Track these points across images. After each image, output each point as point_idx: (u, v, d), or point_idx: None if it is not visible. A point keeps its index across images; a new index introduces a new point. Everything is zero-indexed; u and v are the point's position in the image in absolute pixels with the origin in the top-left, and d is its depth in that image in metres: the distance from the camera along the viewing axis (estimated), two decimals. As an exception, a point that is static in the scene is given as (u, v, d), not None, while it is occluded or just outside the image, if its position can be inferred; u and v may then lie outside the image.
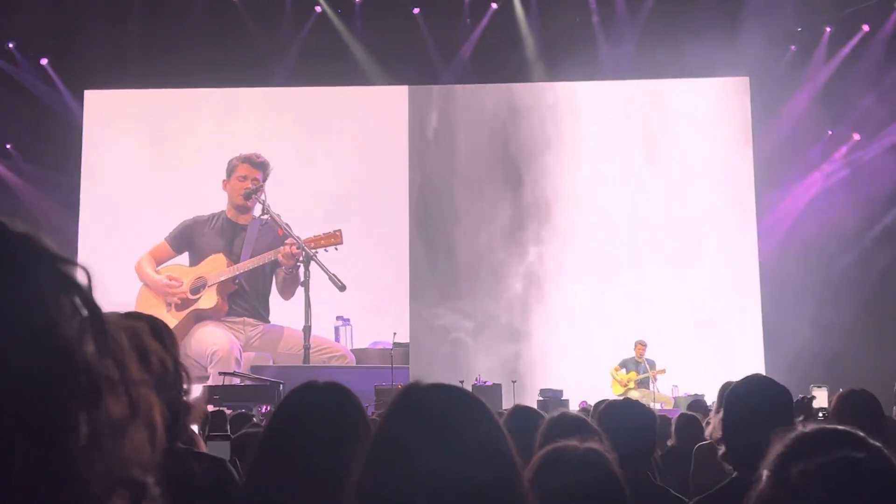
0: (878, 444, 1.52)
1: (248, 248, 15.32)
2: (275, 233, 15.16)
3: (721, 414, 2.97)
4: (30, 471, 0.71)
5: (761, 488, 1.55)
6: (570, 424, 3.09)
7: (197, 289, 15.21)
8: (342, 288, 14.48)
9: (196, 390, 2.43)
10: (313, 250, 14.76)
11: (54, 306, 0.76)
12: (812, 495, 1.39)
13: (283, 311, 15.12)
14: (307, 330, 14.61)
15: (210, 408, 7.88)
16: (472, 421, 1.55)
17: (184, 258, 15.47)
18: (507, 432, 1.60)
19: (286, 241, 14.86)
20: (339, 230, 14.90)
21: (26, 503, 0.71)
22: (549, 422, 3.28)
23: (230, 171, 15.50)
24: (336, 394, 2.20)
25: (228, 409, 9.65)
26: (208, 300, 15.16)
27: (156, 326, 2.31)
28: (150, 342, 1.03)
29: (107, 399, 0.77)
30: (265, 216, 15.16)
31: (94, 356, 0.77)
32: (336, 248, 14.82)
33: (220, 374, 13.62)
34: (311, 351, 14.73)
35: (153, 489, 0.79)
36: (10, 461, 0.70)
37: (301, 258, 14.75)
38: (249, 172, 15.50)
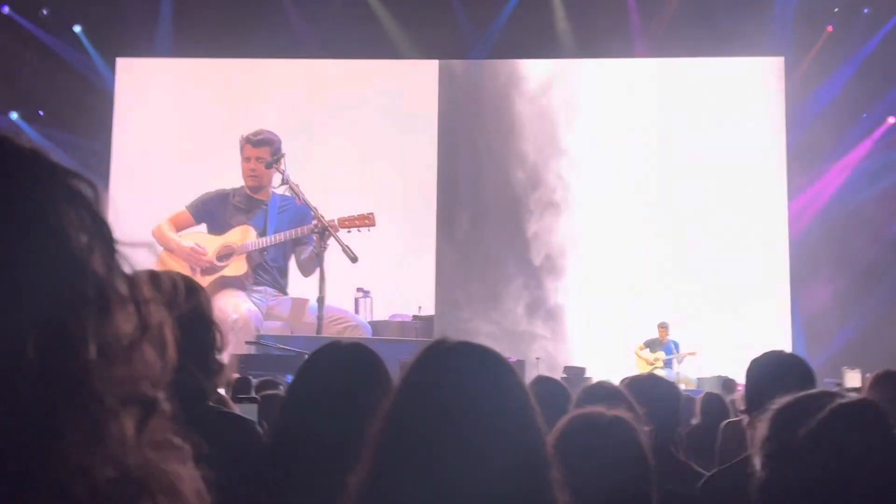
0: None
1: (272, 224, 15.40)
2: (296, 207, 15.18)
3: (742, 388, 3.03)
4: (39, 383, 0.70)
5: (769, 465, 1.60)
6: (606, 394, 3.09)
7: (224, 256, 15.32)
8: (354, 259, 14.51)
9: (225, 357, 2.44)
10: (344, 229, 14.78)
11: (62, 219, 0.74)
12: (824, 446, 1.46)
13: (302, 283, 15.19)
14: (321, 301, 14.66)
15: (234, 375, 7.94)
16: (500, 382, 1.54)
17: (201, 229, 15.56)
18: (532, 395, 1.60)
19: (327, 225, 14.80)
20: (372, 213, 14.90)
21: (36, 416, 0.70)
22: (584, 390, 3.30)
23: (240, 150, 15.59)
24: (360, 354, 2.21)
25: (254, 377, 9.71)
26: (237, 268, 15.27)
27: (188, 280, 2.32)
28: (163, 268, 1.02)
29: (116, 314, 0.75)
30: (285, 185, 15.18)
31: (104, 270, 0.76)
32: (369, 230, 14.83)
33: (247, 342, 13.71)
34: (325, 321, 14.81)
35: (164, 405, 0.78)
36: (19, 371, 0.69)
37: (318, 229, 14.77)
38: (251, 153, 15.58)
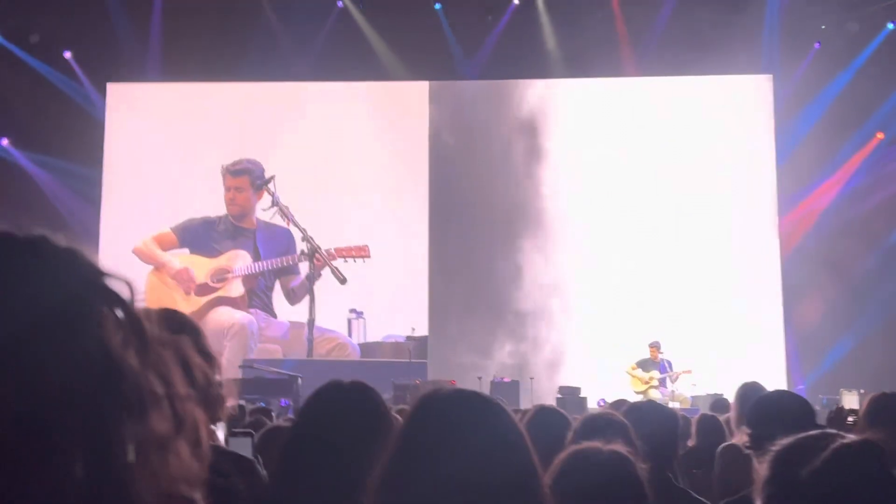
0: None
1: (262, 251, 15.43)
2: (281, 235, 15.21)
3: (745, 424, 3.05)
4: (81, 486, 0.71)
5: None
6: (607, 424, 3.09)
7: (218, 278, 15.29)
8: (343, 281, 14.54)
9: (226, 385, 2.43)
10: (338, 258, 14.80)
11: (100, 321, 0.76)
12: (825, 488, 1.48)
13: (288, 306, 15.19)
14: (311, 323, 14.64)
15: (235, 403, 7.90)
16: (494, 429, 1.54)
17: (184, 251, 15.54)
18: (527, 437, 1.60)
19: (317, 249, 14.79)
20: (367, 245, 14.95)
21: None
22: (585, 420, 3.30)
23: (222, 180, 15.62)
24: (361, 393, 2.21)
25: (248, 401, 9.68)
26: (234, 289, 15.26)
27: (192, 328, 2.31)
28: (194, 356, 1.03)
29: (152, 414, 0.77)
30: (274, 208, 15.18)
31: (139, 370, 0.78)
32: (364, 261, 14.86)
33: (240, 366, 13.67)
34: (314, 341, 14.80)
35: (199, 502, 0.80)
36: (62, 476, 0.71)
37: (308, 252, 14.78)
38: (231, 182, 15.61)
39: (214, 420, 2.30)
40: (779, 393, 3.17)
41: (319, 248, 14.69)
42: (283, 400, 12.25)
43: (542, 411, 3.48)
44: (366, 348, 15.12)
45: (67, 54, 15.58)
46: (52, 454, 0.71)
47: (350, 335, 15.19)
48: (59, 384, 0.72)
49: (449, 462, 1.47)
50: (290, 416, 7.82)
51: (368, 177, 15.45)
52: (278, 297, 15.42)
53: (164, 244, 15.50)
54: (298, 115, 15.76)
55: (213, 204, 15.55)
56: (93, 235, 15.22)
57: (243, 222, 15.60)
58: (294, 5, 15.55)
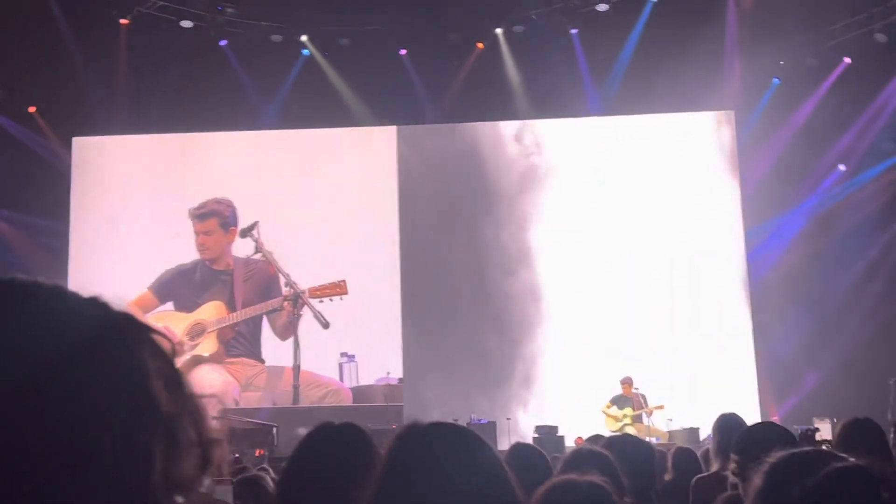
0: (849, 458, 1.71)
1: (240, 293, 15.28)
2: (262, 273, 15.12)
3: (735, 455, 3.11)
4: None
5: None
6: (593, 458, 3.12)
7: (195, 335, 15.15)
8: (326, 325, 14.49)
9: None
10: (315, 299, 14.75)
11: (149, 371, 0.87)
12: None
13: (280, 350, 15.05)
14: (296, 369, 14.54)
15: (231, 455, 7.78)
16: (473, 458, 1.55)
17: (168, 307, 15.41)
18: (509, 471, 1.61)
19: (301, 292, 14.74)
20: (344, 281, 14.89)
21: None
22: (572, 453, 3.33)
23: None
24: (352, 434, 2.23)
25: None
26: (208, 346, 15.09)
27: None
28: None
29: (183, 455, 0.87)
30: (258, 254, 15.14)
31: (177, 416, 0.88)
32: (341, 299, 14.82)
33: (213, 417, 13.51)
34: (305, 387, 14.69)
35: None
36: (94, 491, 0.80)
37: (290, 297, 14.71)
38: (199, 227, 15.53)
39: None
40: (766, 424, 3.25)
41: (303, 294, 14.64)
42: (257, 450, 12.12)
43: (519, 448, 3.49)
44: (358, 392, 15.00)
45: (32, 109, 15.54)
46: (88, 471, 0.80)
47: (342, 379, 15.07)
48: (111, 422, 0.82)
49: (430, 494, 1.48)
50: (265, 466, 7.74)
51: (340, 221, 15.45)
52: (269, 339, 15.29)
53: (146, 305, 15.30)
54: (266, 163, 15.79)
55: (183, 252, 15.45)
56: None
57: (218, 265, 15.49)
58: (259, 54, 15.66)
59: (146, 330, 0.91)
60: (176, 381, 0.90)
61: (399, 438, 1.58)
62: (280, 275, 14.85)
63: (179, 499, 0.85)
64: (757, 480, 1.75)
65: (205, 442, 0.89)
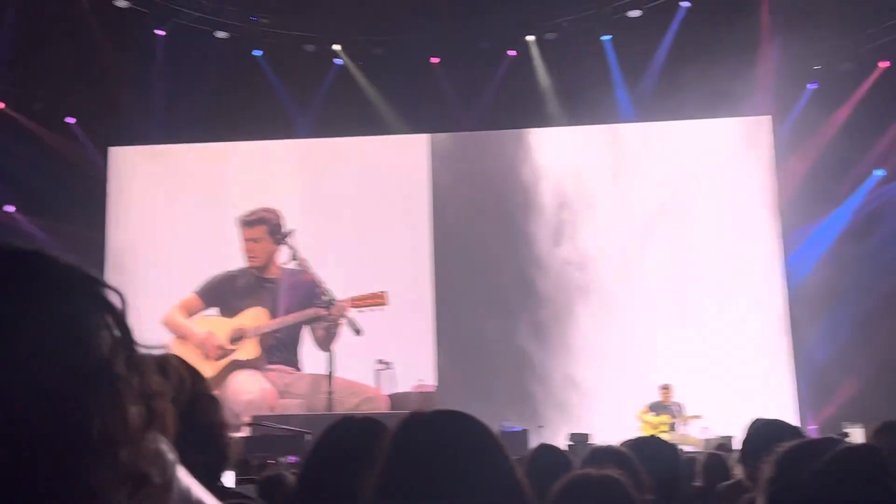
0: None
1: (284, 301, 15.35)
2: (306, 283, 15.17)
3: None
4: (47, 468, 0.81)
5: None
6: (611, 456, 3.11)
7: (237, 339, 15.26)
8: (357, 332, 14.53)
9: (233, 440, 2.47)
10: (356, 309, 14.81)
11: (90, 323, 0.87)
12: (827, 488, 1.49)
13: (318, 358, 15.09)
14: (330, 376, 14.57)
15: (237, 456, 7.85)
16: (477, 447, 1.54)
17: (212, 312, 15.53)
18: (510, 457, 1.60)
19: (334, 300, 14.80)
20: (385, 292, 14.93)
21: (42, 492, 0.80)
22: (590, 452, 3.33)
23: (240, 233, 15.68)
24: (373, 428, 2.22)
25: (255, 458, 9.63)
26: (249, 351, 15.19)
27: (195, 374, 2.35)
28: (171, 358, 1.12)
29: (127, 407, 0.87)
30: (294, 262, 15.22)
31: (122, 369, 0.88)
32: (382, 310, 14.86)
33: (247, 424, 13.59)
34: (341, 394, 14.72)
35: (156, 477, 0.90)
36: (33, 455, 0.80)
37: (324, 303, 14.77)
38: (248, 234, 15.62)
39: (224, 462, 2.31)
40: (772, 422, 3.17)
41: (335, 301, 14.70)
42: (290, 457, 12.17)
43: (543, 449, 3.48)
44: (395, 399, 15.01)
45: (70, 120, 15.78)
46: (18, 420, 0.80)
47: (379, 386, 15.09)
48: (45, 376, 0.82)
49: (434, 482, 1.47)
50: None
51: (373, 229, 15.50)
52: (307, 347, 15.33)
53: (191, 308, 15.46)
54: (300, 172, 15.89)
55: (220, 262, 15.57)
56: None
57: (266, 273, 15.57)
58: (293, 64, 15.79)
59: (93, 283, 0.91)
60: (125, 337, 0.90)
61: (401, 426, 1.57)
62: (317, 283, 14.91)
63: (124, 452, 0.85)
64: (767, 470, 1.74)
65: (148, 395, 0.89)
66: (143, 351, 0.93)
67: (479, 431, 1.57)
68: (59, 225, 15.29)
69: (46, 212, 15.24)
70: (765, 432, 3.04)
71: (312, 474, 2.19)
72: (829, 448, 1.66)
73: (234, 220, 15.65)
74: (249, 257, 15.59)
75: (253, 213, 15.64)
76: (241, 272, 15.56)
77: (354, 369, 14.91)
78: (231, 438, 2.33)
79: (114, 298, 0.93)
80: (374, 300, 14.90)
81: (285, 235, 15.36)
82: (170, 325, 15.34)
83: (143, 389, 0.90)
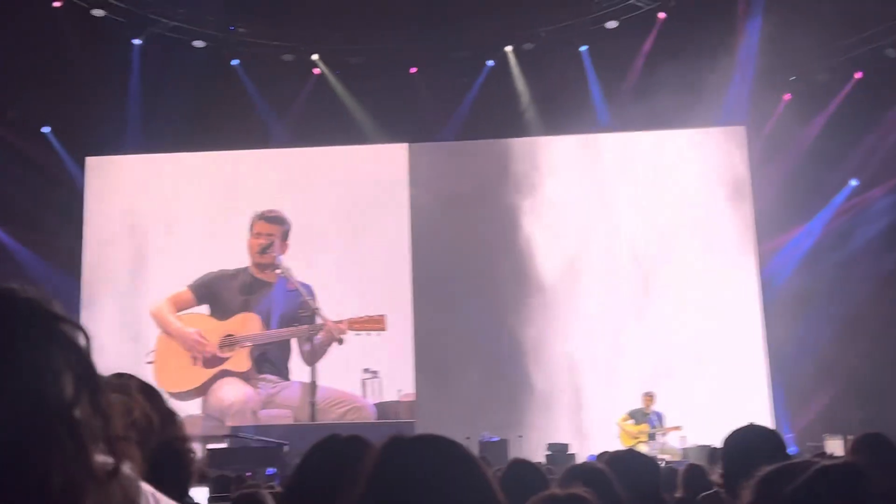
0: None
1: (277, 309, 15.27)
2: (298, 294, 15.09)
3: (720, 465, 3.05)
4: None
5: None
6: (587, 475, 3.10)
7: (226, 346, 15.16)
8: (340, 341, 14.49)
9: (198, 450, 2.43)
10: (353, 332, 14.80)
11: (50, 366, 0.83)
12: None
13: (303, 368, 15.02)
14: (313, 386, 14.51)
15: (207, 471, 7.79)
16: (458, 473, 1.53)
17: (202, 309, 15.43)
18: (493, 483, 1.59)
19: (329, 323, 14.74)
20: (384, 316, 14.90)
21: None
22: (566, 472, 3.32)
23: (250, 227, 15.59)
24: (358, 448, 2.20)
25: (232, 471, 9.56)
26: (240, 363, 15.10)
27: (148, 390, 2.30)
28: (137, 399, 1.09)
29: (90, 452, 0.84)
30: (277, 270, 15.18)
31: (86, 412, 0.84)
32: (378, 334, 14.83)
33: (225, 436, 13.52)
34: (327, 404, 14.68)
35: None
36: None
37: (306, 313, 14.72)
38: (263, 228, 15.57)
39: (186, 478, 2.28)
40: (751, 428, 3.15)
41: (321, 313, 14.66)
42: (268, 469, 12.11)
43: (517, 465, 3.46)
44: (381, 408, 14.98)
45: (46, 129, 15.66)
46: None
47: (365, 395, 15.05)
48: (10, 423, 0.78)
49: None
50: (276, 484, 7.73)
51: (352, 238, 15.48)
52: (296, 358, 15.27)
53: (182, 303, 15.35)
54: (278, 181, 15.84)
55: (197, 271, 15.47)
56: (74, 307, 15.15)
57: (265, 274, 15.51)
58: (271, 73, 15.75)
59: (57, 321, 0.87)
60: (90, 377, 0.86)
61: (381, 451, 1.56)
62: (300, 294, 14.85)
63: (89, 497, 0.82)
64: (747, 494, 1.75)
65: (111, 438, 0.87)
66: (105, 386, 0.88)
67: (461, 456, 1.56)
68: (35, 234, 15.18)
69: (21, 221, 15.11)
70: (745, 442, 3.02)
71: (296, 495, 2.17)
72: (809, 468, 1.67)
73: (253, 214, 15.52)
74: (263, 254, 15.47)
75: (273, 211, 15.59)
76: (239, 271, 15.48)
77: (341, 378, 14.88)
78: (194, 454, 2.30)
79: (77, 336, 0.88)
80: (374, 324, 14.87)
81: (267, 246, 15.34)
82: (157, 318, 15.25)
83: (108, 434, 0.86)
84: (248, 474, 11.04)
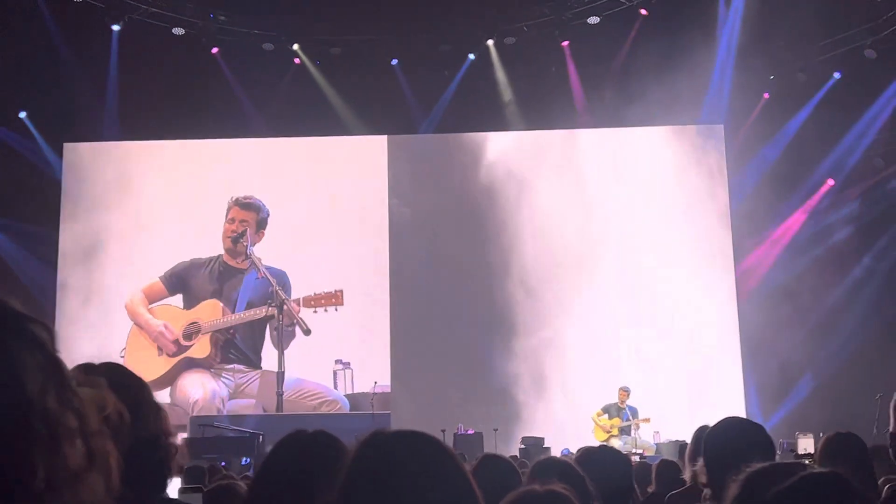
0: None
1: (245, 296, 15.23)
2: (264, 282, 15.07)
3: (702, 460, 3.02)
4: None
5: None
6: (557, 469, 3.10)
7: (190, 335, 15.11)
8: (307, 332, 14.45)
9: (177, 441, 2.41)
10: (310, 308, 14.76)
11: (18, 364, 0.83)
12: None
13: (275, 359, 14.97)
14: (280, 376, 14.48)
15: (185, 461, 7.76)
16: (437, 470, 1.54)
17: (177, 300, 15.37)
18: (473, 481, 1.60)
19: (288, 303, 14.69)
20: (341, 290, 14.89)
21: None
22: (535, 464, 3.32)
23: (226, 212, 15.52)
24: (323, 443, 2.19)
25: (206, 461, 9.54)
26: (201, 349, 15.06)
27: (118, 376, 2.28)
28: (108, 395, 1.08)
29: (65, 448, 0.84)
30: (247, 260, 15.14)
31: (56, 408, 0.84)
32: (336, 309, 14.81)
33: (200, 424, 13.47)
34: (298, 396, 14.66)
35: None
36: None
37: (275, 304, 14.65)
38: (238, 214, 15.51)
39: (168, 472, 2.28)
40: (735, 421, 3.11)
41: (287, 300, 14.60)
42: (244, 458, 12.09)
43: (488, 460, 3.47)
44: (353, 399, 14.97)
45: (23, 114, 15.52)
46: None
47: (336, 387, 15.04)
48: None
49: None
50: (250, 474, 7.72)
51: (330, 229, 15.46)
52: (268, 344, 15.21)
53: (154, 295, 15.28)
54: (257, 171, 15.79)
55: (174, 258, 15.41)
56: (49, 295, 15.07)
57: (238, 261, 15.45)
58: (251, 63, 15.67)
59: (23, 321, 0.87)
60: (56, 374, 0.86)
61: (362, 446, 1.57)
62: (269, 283, 14.80)
63: (65, 498, 0.83)
64: (733, 489, 1.77)
65: (87, 434, 0.87)
66: (76, 384, 0.89)
67: (441, 452, 1.57)
68: (11, 221, 15.06)
69: (-2, 208, 14.99)
70: (732, 434, 3.00)
71: (263, 492, 2.16)
72: (798, 472, 1.68)
73: (229, 199, 15.46)
74: (229, 239, 15.40)
75: (249, 197, 15.52)
76: (211, 260, 15.42)
77: (313, 370, 14.87)
78: (176, 448, 2.29)
79: (42, 333, 0.88)
80: (330, 300, 14.85)
81: (241, 235, 15.28)
82: (129, 311, 15.20)
83: (82, 428, 0.87)
84: (222, 464, 11.02)
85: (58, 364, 0.87)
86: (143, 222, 15.57)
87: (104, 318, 15.18)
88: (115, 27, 15.14)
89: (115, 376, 2.14)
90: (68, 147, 15.86)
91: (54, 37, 14.67)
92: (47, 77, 14.92)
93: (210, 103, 15.35)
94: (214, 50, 15.72)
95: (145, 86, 14.97)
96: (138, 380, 2.35)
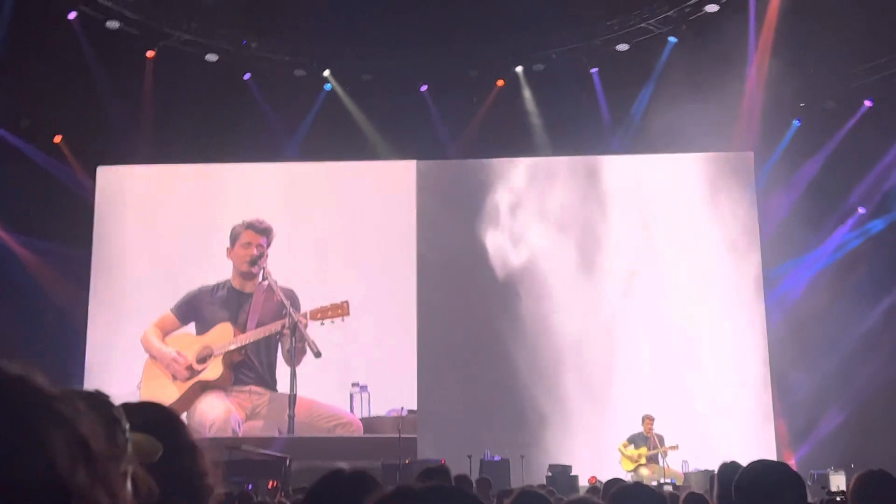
0: None
1: (255, 317, 15.32)
2: (277, 304, 15.18)
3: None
4: None
5: None
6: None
7: (203, 358, 15.20)
8: (318, 355, 14.51)
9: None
10: (316, 321, 14.82)
11: (48, 444, 0.83)
12: None
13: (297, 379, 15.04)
14: (292, 398, 14.49)
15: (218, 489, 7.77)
16: None
17: (190, 328, 15.48)
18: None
19: (296, 318, 14.78)
20: (346, 302, 14.95)
21: None
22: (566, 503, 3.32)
23: (234, 238, 15.61)
24: (361, 486, 2.21)
25: (234, 484, 9.58)
26: (213, 371, 15.14)
27: (171, 421, 2.30)
28: (139, 470, 1.09)
29: None
30: (265, 282, 15.24)
31: (86, 485, 0.84)
32: (342, 320, 14.87)
33: (227, 447, 13.51)
34: (313, 418, 14.68)
35: None
36: None
37: (288, 325, 14.71)
38: (253, 238, 15.60)
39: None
40: (766, 464, 3.10)
41: (299, 322, 14.69)
42: (269, 483, 12.10)
43: (525, 495, 3.46)
44: (368, 423, 14.98)
45: (58, 138, 15.74)
46: None
47: (352, 409, 15.06)
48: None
49: None
50: (282, 500, 7.74)
51: (358, 253, 15.52)
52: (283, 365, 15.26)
53: (167, 327, 15.40)
54: (287, 195, 15.90)
55: (206, 281, 15.52)
56: (81, 318, 15.21)
57: (246, 286, 15.52)
58: (282, 88, 15.84)
59: (46, 398, 0.86)
60: (83, 447, 0.86)
61: (317, 484, 1.54)
62: (283, 305, 14.89)
63: None
64: None
65: None
66: (104, 461, 0.89)
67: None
68: (45, 243, 15.23)
69: (32, 230, 15.17)
70: (766, 480, 2.99)
71: None
72: None
73: (240, 223, 15.60)
74: (246, 263, 15.50)
75: (262, 221, 15.64)
76: (220, 285, 15.51)
77: (330, 393, 14.91)
78: (211, 488, 2.31)
79: (69, 411, 0.87)
80: (335, 311, 14.89)
81: (259, 257, 15.44)
82: (144, 345, 15.32)
83: (114, 501, 0.87)
84: (249, 487, 11.05)
85: (85, 440, 0.87)
86: (175, 244, 15.69)
87: (138, 337, 15.30)
88: (150, 53, 15.35)
89: (148, 415, 2.17)
90: (102, 170, 16.05)
91: (90, 62, 14.90)
92: (82, 102, 15.13)
93: (242, 128, 15.51)
94: (247, 76, 15.91)
95: (178, 111, 15.15)
96: (173, 419, 2.37)
